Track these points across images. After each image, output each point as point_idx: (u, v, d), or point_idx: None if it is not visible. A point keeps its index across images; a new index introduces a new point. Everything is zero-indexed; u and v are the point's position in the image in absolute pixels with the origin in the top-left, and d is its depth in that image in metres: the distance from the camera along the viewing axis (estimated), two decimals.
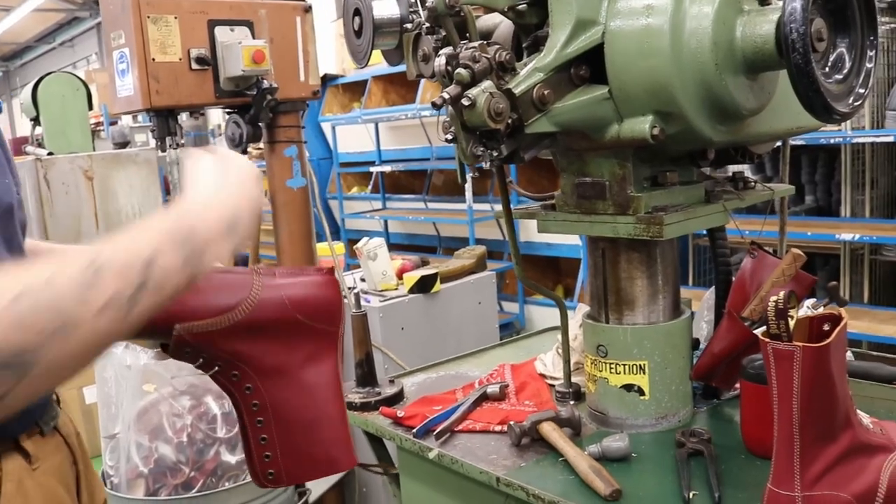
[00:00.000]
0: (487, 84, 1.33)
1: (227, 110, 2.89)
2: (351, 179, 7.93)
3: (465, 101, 1.31)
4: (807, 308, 1.73)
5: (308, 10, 2.94)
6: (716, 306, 1.78)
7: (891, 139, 4.12)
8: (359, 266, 3.49)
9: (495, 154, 1.38)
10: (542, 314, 6.00)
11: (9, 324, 0.70)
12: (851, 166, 4.58)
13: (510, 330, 5.96)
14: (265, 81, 2.71)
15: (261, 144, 3.01)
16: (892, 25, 4.63)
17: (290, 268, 1.11)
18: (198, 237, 0.85)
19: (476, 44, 1.36)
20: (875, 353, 1.83)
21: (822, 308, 1.65)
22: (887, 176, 4.74)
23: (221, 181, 0.94)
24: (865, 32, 1.42)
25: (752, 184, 1.81)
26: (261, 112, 2.75)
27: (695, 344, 1.73)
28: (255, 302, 1.01)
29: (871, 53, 1.42)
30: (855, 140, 4.28)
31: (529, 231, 5.74)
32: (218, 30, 2.70)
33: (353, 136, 7.48)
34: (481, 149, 1.37)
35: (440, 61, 1.38)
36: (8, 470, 1.01)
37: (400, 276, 3.35)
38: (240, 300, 1.01)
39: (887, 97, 4.50)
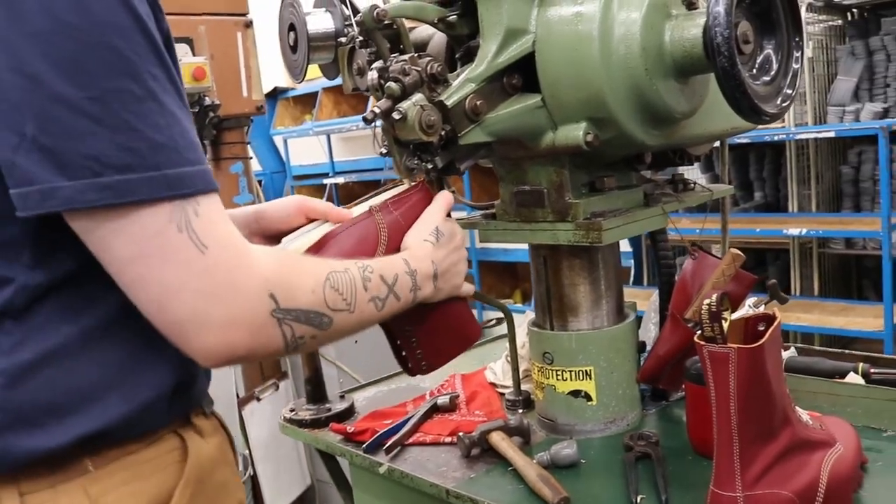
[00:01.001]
0: (418, 97, 1.32)
1: None
2: (305, 192, 7.88)
3: (395, 115, 1.30)
4: (748, 307, 1.75)
5: (249, 25, 2.92)
6: (660, 308, 1.80)
7: (832, 134, 4.20)
8: None
9: (430, 166, 1.37)
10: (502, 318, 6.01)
11: (326, 289, 1.06)
12: (797, 162, 4.66)
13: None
14: (207, 98, 2.69)
15: None
16: (831, 23, 4.73)
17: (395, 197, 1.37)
18: (421, 275, 1.27)
19: (406, 57, 1.35)
20: (816, 347, 1.85)
21: (762, 307, 1.67)
22: (832, 170, 4.83)
23: (447, 239, 1.34)
24: (791, 34, 1.44)
25: (692, 185, 1.82)
26: (204, 129, 2.73)
27: (641, 347, 1.74)
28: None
29: (797, 54, 1.44)
30: (798, 136, 4.36)
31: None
32: None
33: (305, 148, 7.44)
34: (415, 161, 1.37)
35: (372, 75, 1.37)
36: (188, 439, 1.09)
37: None
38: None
39: (828, 93, 4.59)
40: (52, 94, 0.86)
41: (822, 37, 4.70)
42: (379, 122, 1.38)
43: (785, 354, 1.81)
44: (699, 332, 1.14)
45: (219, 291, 0.93)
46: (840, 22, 4.80)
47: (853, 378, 1.61)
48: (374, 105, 1.32)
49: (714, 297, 1.12)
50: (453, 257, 1.35)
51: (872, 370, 1.64)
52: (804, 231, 4.20)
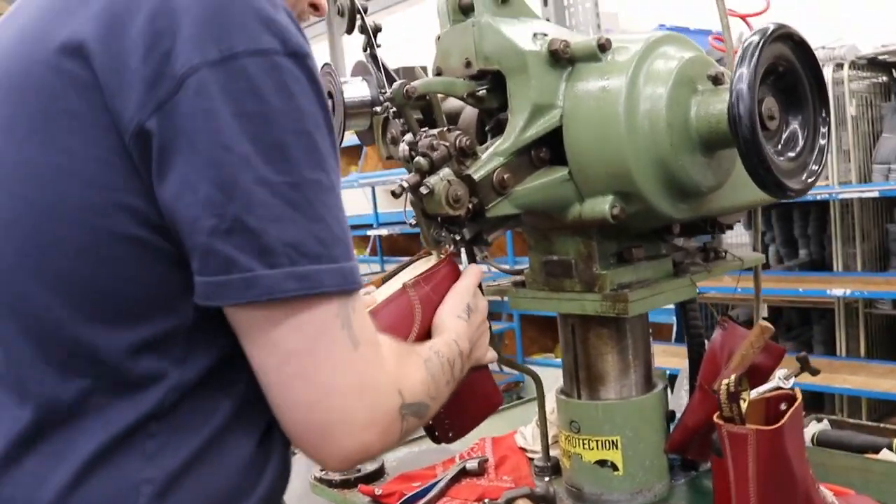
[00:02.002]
0: (446, 171, 1.36)
1: None
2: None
3: (423, 190, 1.33)
4: (778, 379, 1.73)
5: None
6: (689, 378, 1.79)
7: (875, 194, 4.15)
8: None
9: (458, 238, 1.40)
10: (545, 374, 5.98)
11: (424, 380, 1.06)
12: (841, 220, 4.60)
13: (510, 392, 5.93)
14: None
15: None
16: (875, 80, 4.70)
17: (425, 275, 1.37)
18: (466, 356, 1.26)
19: (435, 131, 1.39)
20: (851, 420, 1.82)
21: (792, 379, 1.65)
22: (878, 228, 4.76)
23: (475, 314, 1.33)
24: (818, 109, 1.45)
25: (724, 254, 1.82)
26: None
27: (671, 416, 1.73)
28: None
29: (823, 130, 1.45)
30: (841, 196, 4.31)
31: None
32: None
33: (350, 199, 7.53)
34: (443, 233, 1.40)
35: (403, 148, 1.41)
36: None
37: None
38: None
39: (873, 151, 4.55)
40: (257, 176, 0.84)
41: (866, 94, 4.67)
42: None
43: (817, 427, 1.79)
44: (718, 411, 1.14)
45: (364, 391, 0.92)
46: (885, 79, 4.77)
47: (886, 454, 1.59)
48: (403, 179, 1.36)
49: (732, 377, 1.12)
50: (480, 331, 1.35)
51: None
52: (848, 292, 4.13)
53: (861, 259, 4.57)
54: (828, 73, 4.39)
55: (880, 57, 4.53)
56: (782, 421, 1.10)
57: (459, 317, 1.30)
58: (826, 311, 4.88)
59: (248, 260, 0.84)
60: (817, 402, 4.86)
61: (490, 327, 1.41)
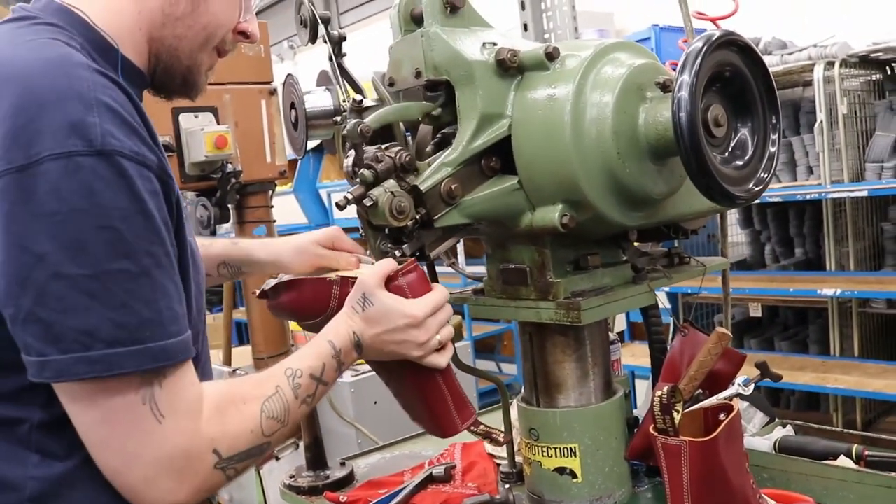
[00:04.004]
0: (390, 183, 1.36)
1: (195, 193, 2.94)
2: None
3: (367, 201, 1.34)
4: (738, 386, 1.72)
5: (273, 92, 3.01)
6: (653, 384, 1.78)
7: (865, 193, 4.12)
8: None
9: (398, 253, 1.40)
10: None
11: (263, 422, 1.12)
12: (834, 219, 4.58)
13: (511, 391, 5.91)
14: (229, 165, 2.77)
15: (230, 225, 3.06)
16: (866, 79, 4.67)
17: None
18: (345, 351, 1.28)
19: (380, 145, 1.39)
20: (816, 425, 1.81)
21: (752, 386, 1.65)
22: (872, 227, 4.73)
23: (380, 315, 1.30)
24: (767, 116, 1.44)
25: (687, 259, 1.81)
26: (227, 195, 2.81)
27: (634, 422, 1.73)
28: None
29: (773, 137, 1.44)
30: (832, 195, 4.29)
31: None
32: (182, 116, 2.77)
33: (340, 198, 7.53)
34: (389, 245, 1.40)
35: (347, 162, 1.41)
36: None
37: None
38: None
39: (866, 149, 4.53)
40: (53, 272, 0.94)
41: (859, 92, 4.64)
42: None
43: (781, 432, 1.78)
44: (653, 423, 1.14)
45: (172, 459, 1.02)
46: (878, 77, 4.74)
47: (844, 461, 1.58)
48: (348, 191, 1.36)
49: (665, 389, 1.12)
50: (394, 337, 1.31)
51: (867, 452, 1.60)
52: (839, 291, 4.11)
53: (854, 258, 4.55)
54: (819, 71, 4.36)
55: (872, 55, 4.50)
56: (716, 432, 1.09)
57: (353, 308, 1.32)
58: (821, 311, 4.86)
59: (41, 346, 0.96)
60: (812, 401, 4.84)
61: (457, 332, 1.41)
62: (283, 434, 1.18)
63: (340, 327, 1.30)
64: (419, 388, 1.40)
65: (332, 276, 1.44)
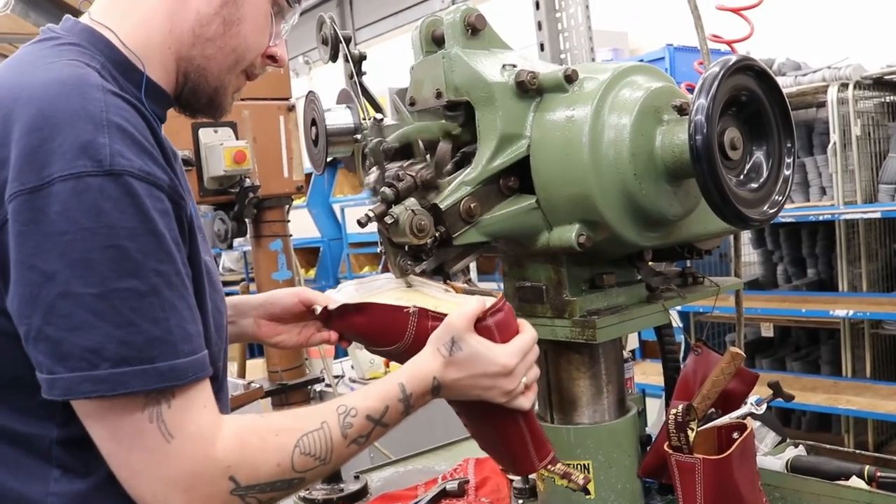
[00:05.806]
0: (411, 201, 1.38)
1: (213, 207, 2.98)
2: (361, 259, 8.03)
3: (388, 219, 1.36)
4: (751, 405, 1.74)
5: (291, 108, 3.05)
6: (666, 402, 1.80)
7: (878, 214, 4.13)
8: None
9: (424, 266, 1.43)
10: None
11: (294, 458, 1.09)
12: (847, 240, 4.58)
13: None
14: (247, 180, 2.81)
15: (247, 238, 3.09)
16: (880, 100, 4.69)
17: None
18: (416, 396, 1.22)
19: (402, 162, 1.42)
20: (828, 445, 1.83)
21: (764, 406, 1.67)
22: (885, 248, 4.73)
23: (470, 360, 1.24)
24: (783, 140, 1.46)
25: (701, 279, 1.83)
26: (244, 209, 2.84)
27: (647, 440, 1.74)
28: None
29: (788, 160, 1.46)
30: (844, 216, 4.30)
31: None
32: (202, 131, 2.81)
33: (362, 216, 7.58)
34: (409, 262, 1.42)
35: (369, 179, 1.44)
36: None
37: (388, 364, 3.38)
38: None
39: (880, 171, 4.53)
40: (61, 290, 0.96)
41: (873, 114, 4.66)
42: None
43: (793, 452, 1.79)
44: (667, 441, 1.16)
45: (178, 478, 1.03)
46: (892, 98, 4.75)
47: (856, 482, 1.59)
48: (370, 209, 1.39)
49: (680, 406, 1.14)
50: (480, 383, 1.25)
51: (879, 474, 1.61)
52: (851, 313, 4.11)
53: (867, 279, 4.54)
54: (833, 92, 4.38)
55: (887, 76, 4.52)
56: (730, 450, 1.11)
57: (439, 350, 1.25)
58: (833, 332, 4.85)
59: (50, 363, 0.98)
60: (823, 422, 4.83)
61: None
62: (321, 472, 1.14)
63: (419, 370, 1.24)
64: (498, 428, 1.36)
65: (411, 307, 1.35)
